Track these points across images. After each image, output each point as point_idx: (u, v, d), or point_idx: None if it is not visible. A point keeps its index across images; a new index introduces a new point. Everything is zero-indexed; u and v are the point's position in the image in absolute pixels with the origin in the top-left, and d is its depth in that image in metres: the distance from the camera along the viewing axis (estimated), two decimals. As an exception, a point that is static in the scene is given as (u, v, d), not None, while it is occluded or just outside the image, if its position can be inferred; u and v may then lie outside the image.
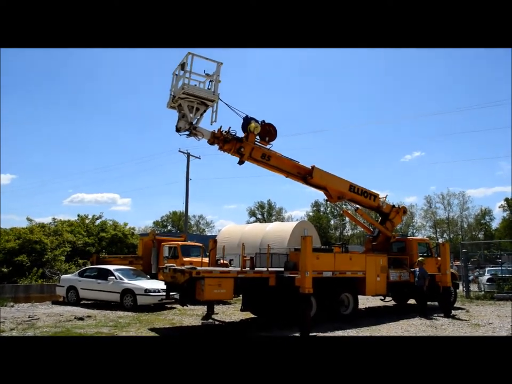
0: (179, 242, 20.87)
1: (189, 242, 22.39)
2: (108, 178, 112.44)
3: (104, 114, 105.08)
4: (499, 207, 77.25)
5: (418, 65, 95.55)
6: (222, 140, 12.55)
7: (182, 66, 11.87)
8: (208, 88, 12.19)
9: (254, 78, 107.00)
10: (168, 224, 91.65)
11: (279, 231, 25.91)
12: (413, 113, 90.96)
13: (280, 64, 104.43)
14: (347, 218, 64.53)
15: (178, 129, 12.38)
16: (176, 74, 12.39)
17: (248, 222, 74.44)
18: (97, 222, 33.31)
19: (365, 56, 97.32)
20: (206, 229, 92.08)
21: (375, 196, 16.00)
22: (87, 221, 33.28)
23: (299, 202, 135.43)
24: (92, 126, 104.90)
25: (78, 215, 34.44)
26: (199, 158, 34.55)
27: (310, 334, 10.49)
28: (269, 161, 13.39)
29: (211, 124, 12.54)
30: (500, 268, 23.65)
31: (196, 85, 12.09)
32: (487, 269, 24.42)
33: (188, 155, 33.66)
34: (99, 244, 30.08)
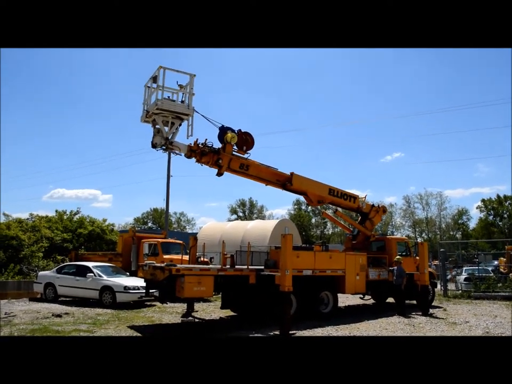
0: (159, 240, 20.71)
1: (169, 240, 22.19)
2: (88, 174, 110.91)
3: (86, 109, 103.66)
4: (476, 207, 78.75)
5: (399, 65, 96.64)
6: (199, 153, 12.39)
7: (154, 79, 11.63)
8: (181, 101, 11.96)
9: (229, 77, 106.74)
10: (149, 221, 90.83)
11: (260, 229, 25.89)
12: (393, 114, 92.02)
13: (256, 64, 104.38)
14: (328, 217, 64.66)
15: (154, 145, 12.14)
16: (149, 87, 12.14)
17: (229, 220, 74.39)
18: (75, 217, 32.85)
19: (344, 55, 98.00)
20: (187, 226, 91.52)
21: (355, 198, 16.13)
22: (65, 217, 32.82)
23: (281, 200, 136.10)
24: (74, 121, 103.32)
25: (56, 211, 33.97)
26: (181, 155, 34.23)
27: (290, 332, 10.52)
28: (248, 170, 13.30)
29: (187, 138, 12.39)
30: (477, 267, 24.11)
31: (169, 96, 11.83)
32: (464, 268, 24.83)
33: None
34: (77, 240, 29.68)
